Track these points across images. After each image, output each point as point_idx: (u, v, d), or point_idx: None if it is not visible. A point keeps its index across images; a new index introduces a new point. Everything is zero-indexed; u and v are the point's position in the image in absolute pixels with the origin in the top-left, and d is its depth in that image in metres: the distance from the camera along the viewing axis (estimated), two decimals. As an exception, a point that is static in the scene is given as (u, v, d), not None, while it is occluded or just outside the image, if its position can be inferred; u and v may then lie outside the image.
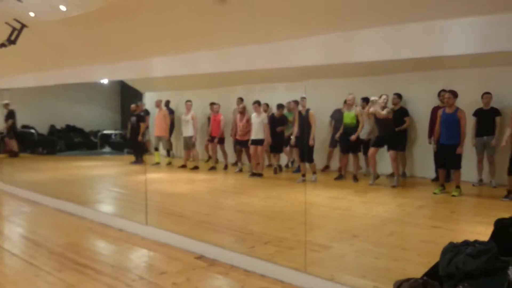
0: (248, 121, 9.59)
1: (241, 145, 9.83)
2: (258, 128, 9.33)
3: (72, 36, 5.55)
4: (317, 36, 3.81)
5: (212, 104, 10.39)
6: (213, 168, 10.28)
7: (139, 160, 11.30)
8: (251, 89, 10.35)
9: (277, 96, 9.89)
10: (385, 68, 7.51)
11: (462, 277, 2.54)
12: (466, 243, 2.73)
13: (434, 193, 7.24)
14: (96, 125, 14.08)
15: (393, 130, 8.03)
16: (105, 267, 4.64)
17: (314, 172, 8.63)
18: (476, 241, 2.70)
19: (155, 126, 10.98)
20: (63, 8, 4.71)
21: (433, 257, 2.90)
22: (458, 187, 7.12)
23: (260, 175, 9.29)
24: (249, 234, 5.68)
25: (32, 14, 5.24)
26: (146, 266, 4.82)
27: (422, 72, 7.92)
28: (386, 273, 4.24)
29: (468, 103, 7.49)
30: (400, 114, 8.35)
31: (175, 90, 11.39)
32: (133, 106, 11.77)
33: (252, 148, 9.41)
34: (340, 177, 8.64)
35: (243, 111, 9.76)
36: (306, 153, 8.60)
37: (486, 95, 7.48)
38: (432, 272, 2.83)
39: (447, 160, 7.30)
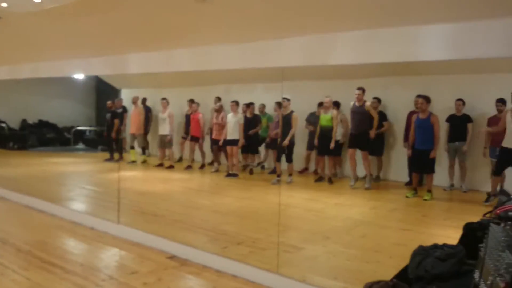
0: (223, 120, 9.49)
1: (218, 144, 9.68)
2: (234, 128, 9.20)
3: (46, 29, 5.42)
4: (295, 38, 3.82)
5: (190, 102, 10.24)
6: (189, 167, 10.18)
7: (113, 157, 11.05)
8: (230, 89, 10.30)
9: (256, 96, 9.87)
10: (365, 72, 7.61)
11: (431, 279, 2.57)
12: (435, 246, 2.77)
13: (407, 197, 7.32)
14: (70, 121, 13.78)
15: (368, 129, 8.00)
16: (74, 266, 4.55)
17: (290, 174, 8.60)
18: (444, 245, 2.74)
19: (131, 124, 10.78)
20: (37, 0, 4.59)
21: (404, 260, 2.93)
22: (429, 191, 7.23)
23: (235, 175, 9.20)
24: (222, 234, 5.65)
25: (4, 4, 5.09)
26: (116, 265, 4.75)
27: (401, 77, 8.05)
28: (357, 275, 4.28)
29: (444, 108, 7.68)
30: (379, 118, 8.43)
31: (153, 88, 11.24)
32: (109, 102, 11.53)
33: (227, 148, 9.33)
34: (320, 179, 8.65)
35: (219, 110, 9.61)
36: (286, 153, 8.55)
37: (458, 101, 7.63)
38: (402, 275, 2.85)
39: (421, 165, 7.39)
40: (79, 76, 9.55)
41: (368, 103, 8.05)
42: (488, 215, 1.80)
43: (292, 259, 4.79)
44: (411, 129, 7.55)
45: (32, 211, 6.83)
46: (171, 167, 10.26)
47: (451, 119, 7.75)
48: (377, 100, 8.45)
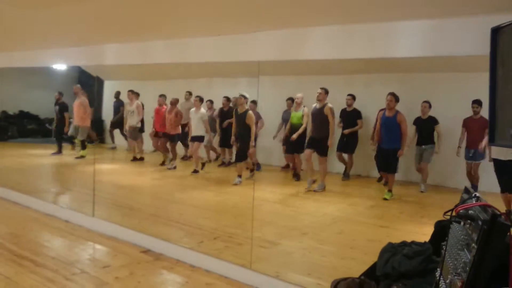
0: (177, 115, 9.31)
1: (167, 138, 9.51)
2: (197, 125, 9.02)
3: (21, 18, 5.29)
4: (272, 31, 3.78)
5: (160, 96, 10.01)
6: (163, 164, 9.88)
7: (61, 151, 10.93)
8: (213, 83, 10.23)
9: (237, 90, 9.79)
10: (349, 68, 7.55)
11: (397, 277, 2.57)
12: (403, 243, 2.77)
13: (385, 199, 7.16)
14: (51, 112, 13.57)
15: (327, 134, 7.55)
16: (46, 260, 4.47)
17: (251, 170, 8.52)
18: (413, 242, 2.74)
19: (74, 115, 10.56)
20: (10, -13, 4.47)
21: (377, 256, 2.93)
22: (390, 191, 7.14)
23: (196, 171, 9.05)
24: (198, 228, 5.61)
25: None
26: (89, 259, 4.67)
27: (385, 74, 8.00)
28: (331, 271, 4.27)
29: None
30: (353, 115, 8.36)
31: (137, 80, 11.11)
32: (56, 94, 11.26)
33: (190, 144, 9.21)
34: (295, 175, 8.57)
35: (174, 103, 9.42)
36: (242, 152, 8.24)
37: (424, 103, 7.50)
38: (370, 272, 2.85)
39: (385, 164, 7.26)
40: (61, 66, 9.38)
41: (329, 106, 7.56)
42: (449, 213, 1.79)
43: (268, 254, 4.77)
44: (377, 127, 7.41)
45: (7, 203, 6.71)
46: (141, 159, 10.14)
47: (417, 122, 7.66)
48: (352, 97, 8.31)
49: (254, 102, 8.65)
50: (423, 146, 7.54)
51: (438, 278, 1.86)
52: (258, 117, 8.73)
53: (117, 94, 11.18)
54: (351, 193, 7.94)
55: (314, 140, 7.66)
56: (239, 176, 8.18)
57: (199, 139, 9.07)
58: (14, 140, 12.85)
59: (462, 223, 1.71)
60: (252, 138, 8.00)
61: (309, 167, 7.76)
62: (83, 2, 4.36)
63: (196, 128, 9.02)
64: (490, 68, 2.43)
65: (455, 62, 6.12)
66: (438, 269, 1.93)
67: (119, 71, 9.86)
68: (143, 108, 10.21)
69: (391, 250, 2.73)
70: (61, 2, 4.55)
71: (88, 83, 12.56)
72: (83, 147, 10.45)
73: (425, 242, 2.68)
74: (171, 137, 9.43)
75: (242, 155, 8.23)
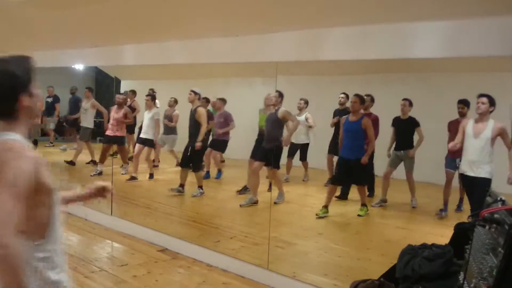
0: (126, 116, 8.21)
1: (110, 141, 8.36)
2: (148, 125, 8.03)
3: (40, 19, 5.37)
4: (289, 32, 3.77)
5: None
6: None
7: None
8: (229, 83, 10.15)
9: (253, 91, 9.72)
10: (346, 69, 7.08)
11: (417, 279, 2.54)
12: (423, 246, 2.74)
13: (359, 215, 6.06)
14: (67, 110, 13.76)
15: (278, 143, 6.47)
16: (65, 257, 4.53)
17: (200, 186, 7.10)
18: (433, 245, 2.71)
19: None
20: (27, -12, 4.54)
21: (395, 258, 2.91)
22: (364, 205, 6.06)
23: (134, 178, 7.98)
24: (215, 228, 5.64)
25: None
26: (107, 257, 4.73)
27: (379, 74, 7.40)
28: (347, 272, 4.26)
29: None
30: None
31: (154, 79, 11.13)
32: (49, 89, 10.99)
33: (136, 147, 8.20)
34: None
35: (121, 103, 8.27)
36: (192, 158, 7.00)
37: (404, 101, 6.36)
38: (390, 273, 2.83)
39: (347, 176, 6.08)
40: (79, 66, 9.44)
41: (283, 109, 6.51)
42: (473, 216, 1.77)
43: (284, 255, 4.77)
44: (340, 134, 6.26)
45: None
46: (71, 163, 9.08)
47: (395, 123, 6.49)
48: (346, 95, 7.12)
49: (221, 101, 8.05)
50: (403, 152, 6.36)
51: (461, 281, 1.84)
52: (227, 118, 8.04)
53: (74, 89, 10.70)
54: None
55: (262, 150, 6.61)
56: (180, 185, 7.06)
57: (146, 142, 8.02)
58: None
59: (487, 227, 1.69)
60: (200, 137, 6.88)
61: (253, 182, 6.75)
62: (99, 3, 4.41)
63: (146, 129, 8.04)
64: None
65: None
66: (461, 272, 1.91)
67: (136, 71, 9.77)
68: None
69: (411, 252, 2.71)
70: (77, 3, 4.61)
71: (105, 82, 12.70)
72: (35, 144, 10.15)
73: (445, 245, 2.65)
74: (117, 139, 8.30)
75: (186, 160, 7.01)
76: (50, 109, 10.92)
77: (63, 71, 10.82)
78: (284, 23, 3.73)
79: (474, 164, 4.58)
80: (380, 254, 4.72)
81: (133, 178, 8.01)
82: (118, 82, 11.15)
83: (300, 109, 7.63)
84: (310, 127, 7.67)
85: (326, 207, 6.00)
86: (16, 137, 1.52)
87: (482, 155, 4.55)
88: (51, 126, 11.16)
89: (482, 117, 4.53)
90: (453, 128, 5.65)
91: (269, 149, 6.39)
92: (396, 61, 5.54)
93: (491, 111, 4.57)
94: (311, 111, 7.82)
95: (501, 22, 2.61)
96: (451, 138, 5.49)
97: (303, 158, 7.84)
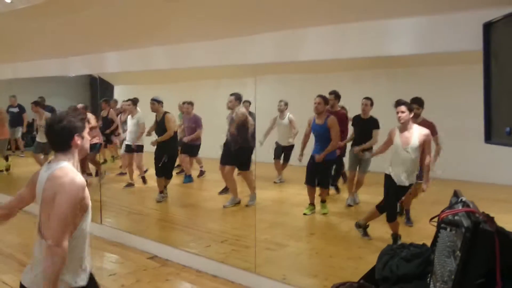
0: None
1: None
2: (134, 132, 7.72)
3: (22, 29, 5.35)
4: (266, 34, 3.75)
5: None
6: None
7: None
8: (220, 84, 10.07)
9: (247, 90, 9.60)
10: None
11: (396, 280, 2.51)
12: (402, 246, 2.71)
13: (305, 214, 6.00)
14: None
15: (244, 144, 6.40)
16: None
17: (161, 191, 6.99)
18: (411, 244, 2.67)
19: None
20: (7, 0, 4.52)
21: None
22: (323, 201, 6.06)
23: (131, 185, 7.84)
24: (206, 232, 5.61)
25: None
26: (96, 267, 4.69)
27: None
28: (338, 272, 4.24)
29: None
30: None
31: (146, 84, 11.07)
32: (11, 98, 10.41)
33: (124, 156, 8.00)
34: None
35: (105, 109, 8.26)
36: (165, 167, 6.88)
37: (365, 100, 5.93)
38: (370, 275, 2.80)
39: (316, 177, 5.99)
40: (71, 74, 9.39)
41: (242, 110, 6.48)
42: (435, 219, 1.74)
43: (276, 257, 4.75)
44: (304, 135, 6.18)
45: (18, 213, 6.78)
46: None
47: (355, 122, 6.12)
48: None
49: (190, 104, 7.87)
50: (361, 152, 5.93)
51: (428, 284, 1.81)
52: (195, 122, 7.85)
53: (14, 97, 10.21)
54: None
55: (227, 153, 6.65)
56: (161, 192, 6.92)
57: (135, 149, 7.71)
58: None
59: (448, 229, 1.66)
60: (160, 139, 6.85)
61: (230, 186, 6.76)
62: (78, 12, 4.39)
63: (133, 136, 7.72)
64: (483, 64, 2.36)
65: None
66: (429, 274, 1.89)
67: (127, 76, 9.73)
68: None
69: (389, 253, 2.67)
70: (57, 13, 4.59)
71: (100, 88, 12.67)
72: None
73: (423, 244, 2.62)
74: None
75: (160, 169, 6.86)
76: (16, 119, 10.51)
77: (55, 80, 10.78)
78: (261, 25, 3.71)
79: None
80: (371, 252, 4.66)
81: (130, 184, 7.88)
82: (111, 87, 11.06)
83: (281, 111, 7.48)
84: (294, 130, 7.45)
85: (312, 204, 5.99)
86: (69, 166, 2.18)
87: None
88: (18, 134, 10.81)
89: (405, 125, 4.47)
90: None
91: (235, 151, 6.43)
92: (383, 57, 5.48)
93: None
94: (301, 110, 7.73)
95: (469, 17, 2.57)
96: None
97: (286, 159, 7.59)
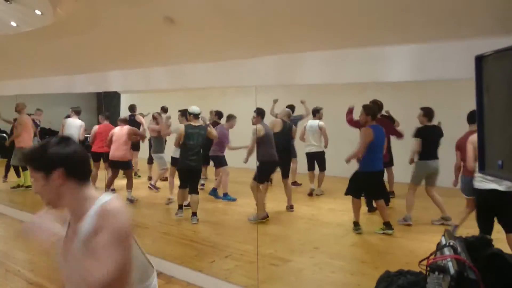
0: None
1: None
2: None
3: (29, 48, 5.46)
4: (266, 57, 3.80)
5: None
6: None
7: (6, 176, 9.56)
8: (226, 91, 10.09)
9: (252, 98, 9.62)
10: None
11: (392, 309, 2.55)
12: (400, 272, 2.74)
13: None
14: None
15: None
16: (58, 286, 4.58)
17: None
18: (409, 272, 2.71)
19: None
20: (13, 24, 4.62)
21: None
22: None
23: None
24: (210, 247, 5.65)
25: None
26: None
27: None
28: (340, 289, 4.28)
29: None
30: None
31: (153, 92, 11.13)
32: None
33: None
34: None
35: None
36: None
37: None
38: (368, 301, 2.84)
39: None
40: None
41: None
42: (424, 262, 1.77)
43: (278, 273, 4.79)
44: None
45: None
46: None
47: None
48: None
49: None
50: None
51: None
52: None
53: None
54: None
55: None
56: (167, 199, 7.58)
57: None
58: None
59: (436, 273, 1.70)
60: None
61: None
62: (83, 33, 4.48)
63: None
64: (476, 96, 2.39)
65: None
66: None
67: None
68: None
69: (387, 280, 2.71)
70: (62, 34, 4.68)
71: (107, 96, 12.78)
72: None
73: (420, 272, 2.65)
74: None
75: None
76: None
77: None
78: (261, 49, 3.76)
79: None
80: (374, 268, 4.70)
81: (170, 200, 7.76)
82: (117, 95, 11.10)
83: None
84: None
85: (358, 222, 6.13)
86: (113, 199, 1.78)
87: None
88: None
89: None
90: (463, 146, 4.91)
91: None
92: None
93: None
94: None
95: (462, 46, 2.61)
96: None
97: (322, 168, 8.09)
